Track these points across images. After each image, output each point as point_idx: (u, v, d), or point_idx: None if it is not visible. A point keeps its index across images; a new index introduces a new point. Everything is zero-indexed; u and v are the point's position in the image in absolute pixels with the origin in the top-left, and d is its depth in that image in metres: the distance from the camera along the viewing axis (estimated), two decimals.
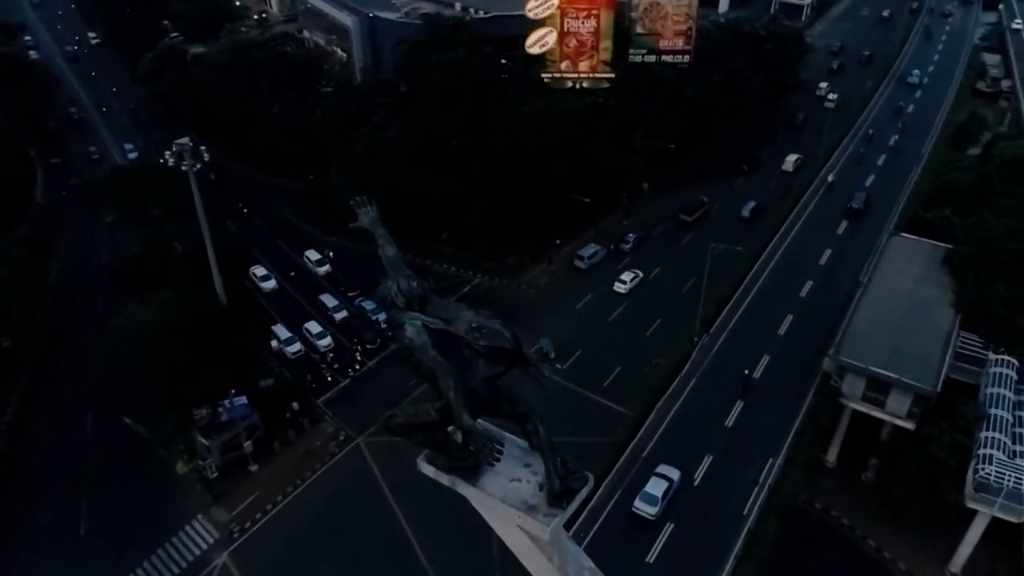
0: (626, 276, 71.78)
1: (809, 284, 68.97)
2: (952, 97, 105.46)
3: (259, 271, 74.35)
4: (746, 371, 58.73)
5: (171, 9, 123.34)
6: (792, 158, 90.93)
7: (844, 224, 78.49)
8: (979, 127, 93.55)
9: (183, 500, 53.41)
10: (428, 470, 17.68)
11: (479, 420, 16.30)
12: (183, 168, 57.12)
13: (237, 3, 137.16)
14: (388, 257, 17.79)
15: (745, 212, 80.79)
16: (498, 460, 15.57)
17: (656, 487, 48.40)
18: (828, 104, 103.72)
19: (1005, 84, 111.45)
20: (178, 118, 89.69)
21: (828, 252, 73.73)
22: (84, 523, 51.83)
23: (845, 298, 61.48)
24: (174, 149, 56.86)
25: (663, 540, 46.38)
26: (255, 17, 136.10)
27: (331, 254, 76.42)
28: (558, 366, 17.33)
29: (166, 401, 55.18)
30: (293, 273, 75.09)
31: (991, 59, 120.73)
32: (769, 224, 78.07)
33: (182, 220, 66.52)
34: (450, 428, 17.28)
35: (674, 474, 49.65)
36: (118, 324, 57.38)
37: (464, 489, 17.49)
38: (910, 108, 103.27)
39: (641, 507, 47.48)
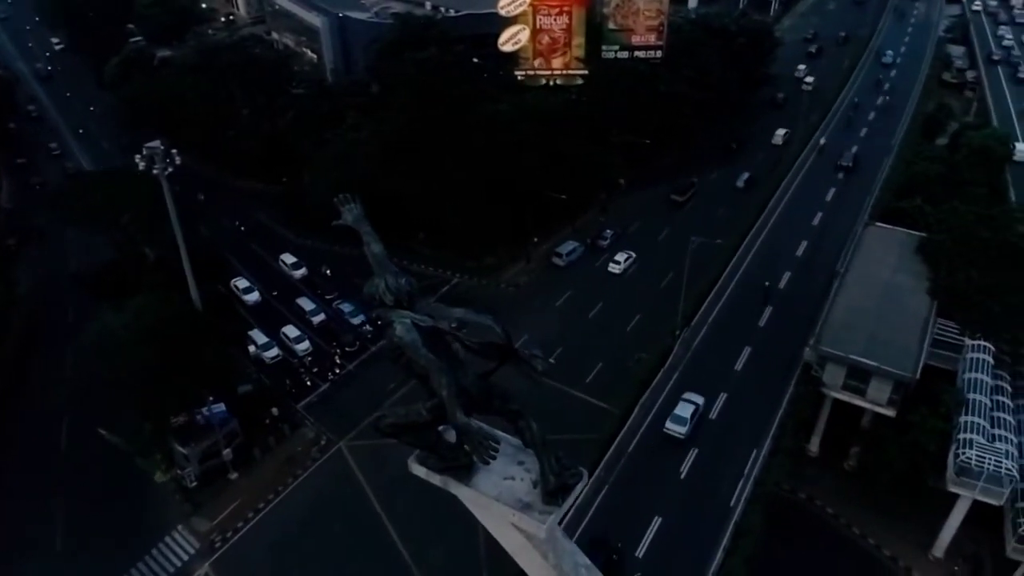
0: (620, 257, 73.92)
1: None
2: (920, 88, 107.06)
3: (241, 283, 72.82)
4: (766, 283, 65.43)
5: (136, 13, 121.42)
6: (780, 132, 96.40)
7: (839, 176, 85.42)
8: (946, 117, 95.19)
9: (162, 510, 52.40)
10: (419, 471, 17.34)
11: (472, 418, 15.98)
12: (154, 172, 55.98)
13: (203, 5, 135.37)
14: (374, 255, 17.36)
15: (739, 183, 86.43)
16: (494, 458, 15.29)
17: (684, 410, 53.16)
18: (805, 87, 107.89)
19: (970, 75, 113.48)
20: (147, 122, 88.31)
21: (828, 198, 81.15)
22: (60, 537, 50.62)
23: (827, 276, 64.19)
24: (144, 152, 55.71)
25: (650, 535, 46.48)
26: (222, 19, 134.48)
27: (328, 271, 74.09)
28: (551, 361, 17.18)
29: (142, 410, 54.13)
30: (275, 292, 73.14)
31: (956, 51, 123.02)
32: (764, 191, 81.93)
33: (154, 225, 65.33)
34: (441, 427, 16.96)
35: (699, 399, 54.09)
36: (91, 332, 56.11)
37: (457, 489, 17.18)
38: (886, 85, 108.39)
39: (672, 428, 52.32)
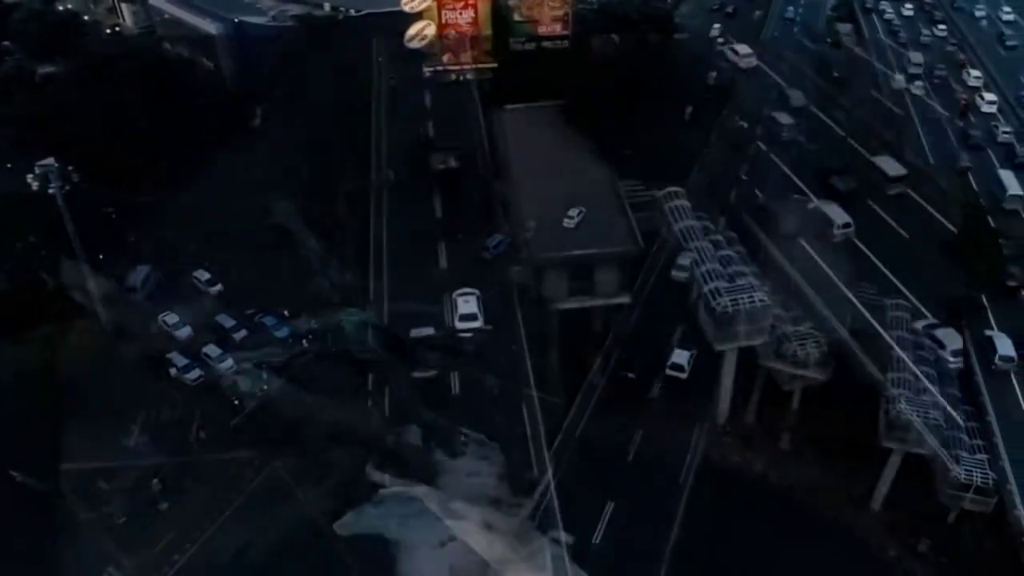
0: (572, 212, 67.45)
1: None
2: None
3: (170, 319, 68.29)
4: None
5: (11, 29, 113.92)
6: (712, 75, 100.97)
7: None
8: None
9: (88, 552, 48.86)
10: (379, 477, 16.45)
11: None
12: (50, 191, 52.32)
13: (85, 18, 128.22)
14: (314, 251, 16.34)
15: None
16: (465, 451, 14.49)
17: (685, 259, 58.47)
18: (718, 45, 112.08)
19: (858, 51, 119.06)
20: (33, 142, 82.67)
21: None
22: None
23: None
24: (36, 172, 51.99)
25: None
26: (107, 31, 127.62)
27: (287, 312, 69.36)
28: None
29: (59, 447, 50.55)
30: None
31: (843, 28, 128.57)
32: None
33: (51, 249, 61.16)
34: (400, 430, 16.15)
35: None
36: None
37: (421, 491, 16.37)
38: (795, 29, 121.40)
39: (677, 276, 59.27)
